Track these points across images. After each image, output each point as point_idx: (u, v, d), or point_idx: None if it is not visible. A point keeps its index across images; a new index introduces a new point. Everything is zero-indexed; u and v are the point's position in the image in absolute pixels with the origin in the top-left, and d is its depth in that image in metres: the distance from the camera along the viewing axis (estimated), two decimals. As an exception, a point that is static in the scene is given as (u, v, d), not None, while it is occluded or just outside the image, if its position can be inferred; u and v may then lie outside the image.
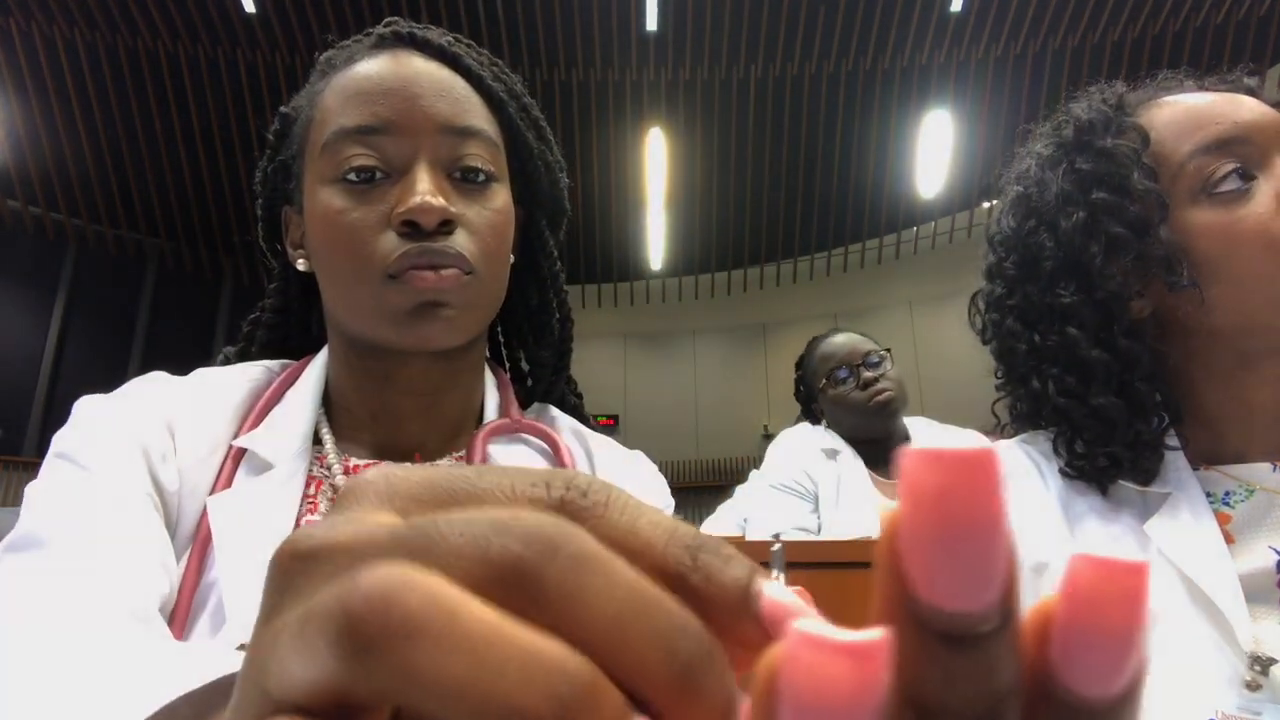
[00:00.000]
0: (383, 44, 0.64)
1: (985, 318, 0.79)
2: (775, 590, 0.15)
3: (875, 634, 0.12)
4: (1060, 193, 0.72)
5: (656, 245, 9.97)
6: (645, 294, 10.54)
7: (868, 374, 1.76)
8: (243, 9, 7.57)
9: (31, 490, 0.52)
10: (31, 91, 7.76)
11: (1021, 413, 0.76)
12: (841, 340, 1.85)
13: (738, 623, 0.15)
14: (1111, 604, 0.13)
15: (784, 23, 7.97)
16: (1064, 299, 0.70)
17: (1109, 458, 0.68)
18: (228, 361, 0.70)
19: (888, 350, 1.82)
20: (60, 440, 0.55)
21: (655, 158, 9.03)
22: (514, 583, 0.14)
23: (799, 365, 1.95)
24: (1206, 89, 0.72)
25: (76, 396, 0.59)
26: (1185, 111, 0.69)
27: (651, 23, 7.99)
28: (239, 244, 9.16)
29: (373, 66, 0.60)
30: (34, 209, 8.33)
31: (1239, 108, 0.68)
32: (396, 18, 0.66)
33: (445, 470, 0.17)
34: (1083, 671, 0.13)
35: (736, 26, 8.03)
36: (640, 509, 0.16)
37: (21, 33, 7.55)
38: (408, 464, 0.16)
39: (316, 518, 0.57)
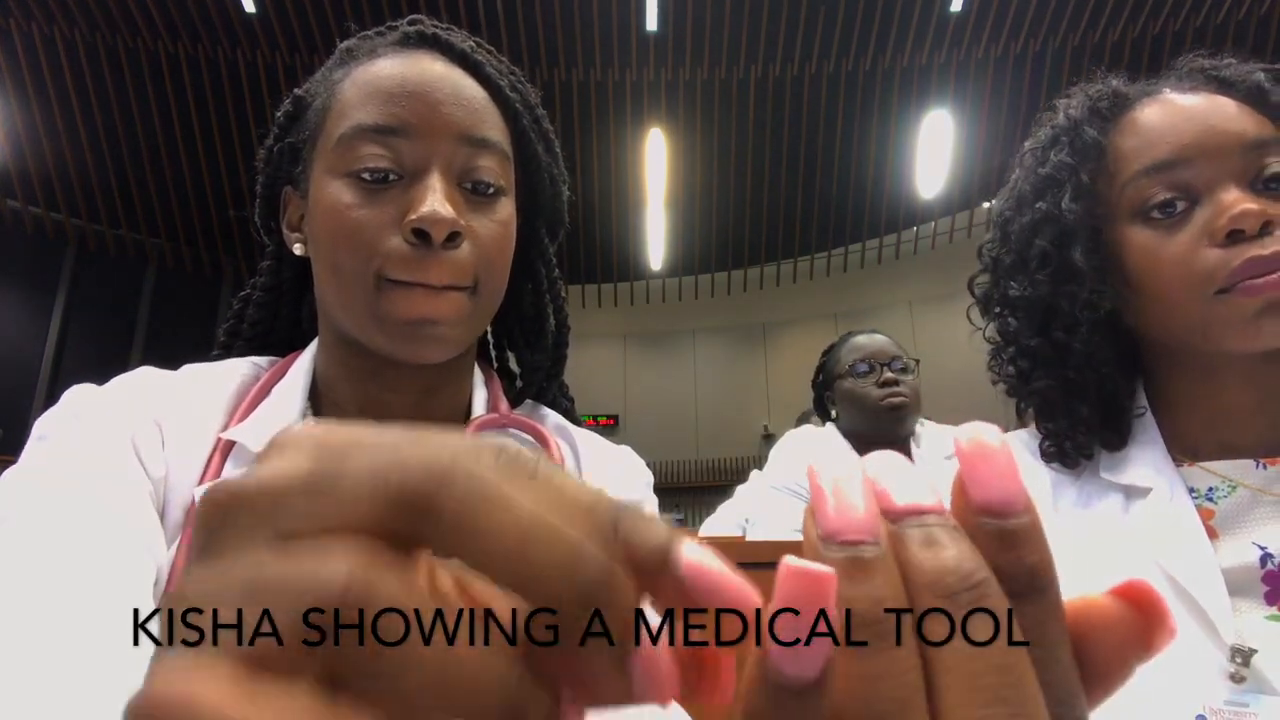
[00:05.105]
0: (407, 42, 0.64)
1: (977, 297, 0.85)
2: (694, 551, 0.17)
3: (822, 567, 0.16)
4: (1019, 194, 0.77)
5: (656, 245, 9.97)
6: (645, 294, 10.54)
7: (889, 374, 1.77)
8: (243, 9, 7.57)
9: (9, 474, 0.51)
10: (31, 91, 7.76)
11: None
12: (875, 339, 1.89)
13: (660, 581, 0.17)
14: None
15: (784, 23, 7.97)
16: (1012, 291, 0.76)
17: (1058, 434, 0.74)
18: (221, 347, 0.71)
19: (916, 361, 1.84)
20: (43, 423, 0.55)
21: (655, 158, 9.03)
22: (411, 513, 0.15)
23: (826, 352, 1.97)
24: (1222, 80, 0.71)
25: (76, 396, 0.58)
26: (1145, 126, 0.71)
27: (651, 23, 7.99)
28: (239, 244, 9.16)
29: (395, 65, 0.60)
30: (34, 209, 8.33)
31: (1193, 125, 0.67)
32: (421, 16, 0.66)
33: (379, 429, 0.17)
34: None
35: (736, 26, 8.03)
36: (566, 479, 0.17)
37: (21, 33, 7.55)
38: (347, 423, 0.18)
39: None
